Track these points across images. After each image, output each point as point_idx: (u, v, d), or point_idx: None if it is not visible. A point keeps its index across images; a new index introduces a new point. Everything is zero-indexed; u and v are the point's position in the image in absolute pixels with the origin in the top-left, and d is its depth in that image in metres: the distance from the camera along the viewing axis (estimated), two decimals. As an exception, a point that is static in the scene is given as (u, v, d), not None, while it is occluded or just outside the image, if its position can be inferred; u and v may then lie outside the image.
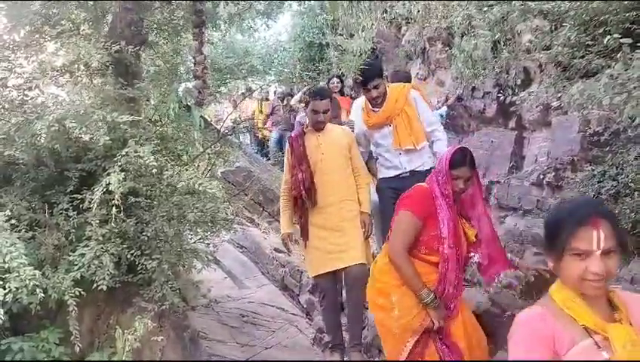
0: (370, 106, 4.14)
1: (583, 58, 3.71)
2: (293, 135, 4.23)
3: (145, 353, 3.74)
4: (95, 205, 3.31)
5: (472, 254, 3.01)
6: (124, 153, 3.42)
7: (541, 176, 5.39)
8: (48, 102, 3.74)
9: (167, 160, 4.09)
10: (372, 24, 10.14)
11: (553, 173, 5.18)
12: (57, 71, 4.01)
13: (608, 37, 3.04)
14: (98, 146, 3.48)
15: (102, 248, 3.42)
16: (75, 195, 3.60)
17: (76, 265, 3.35)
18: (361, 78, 4.10)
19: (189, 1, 4.87)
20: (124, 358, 3.51)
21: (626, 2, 3.46)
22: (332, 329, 4.28)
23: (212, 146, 5.10)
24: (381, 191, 4.20)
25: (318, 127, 4.07)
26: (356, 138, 4.27)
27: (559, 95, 3.76)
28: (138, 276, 3.74)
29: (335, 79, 7.60)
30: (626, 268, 4.05)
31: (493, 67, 6.16)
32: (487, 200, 6.33)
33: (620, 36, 2.93)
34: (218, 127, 6.71)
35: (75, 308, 3.30)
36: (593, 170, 4.45)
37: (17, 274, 2.93)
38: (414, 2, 8.58)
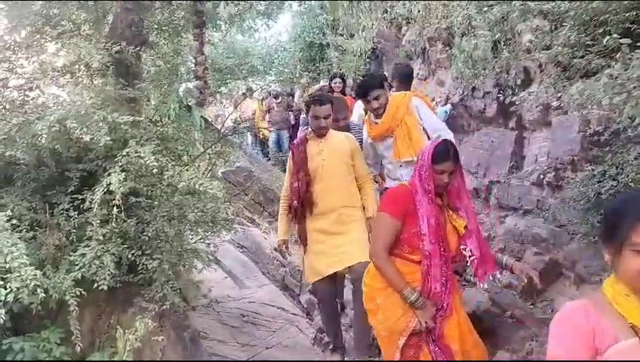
0: (372, 117, 4.09)
1: (583, 58, 3.71)
2: (295, 142, 4.21)
3: (145, 353, 3.75)
4: (96, 205, 3.31)
5: (462, 247, 2.95)
6: (124, 153, 3.42)
7: (541, 176, 5.39)
8: (49, 102, 3.74)
9: (167, 160, 4.09)
10: (372, 24, 10.15)
11: (553, 173, 5.17)
12: (58, 71, 4.01)
13: (608, 37, 3.04)
14: (99, 146, 3.48)
15: (103, 248, 3.42)
16: (75, 195, 3.60)
17: (77, 265, 3.35)
18: (360, 88, 4.07)
19: (189, 2, 4.88)
20: (124, 358, 3.51)
21: (625, 2, 3.46)
22: (332, 332, 4.30)
23: (213, 146, 5.11)
24: None
25: (320, 133, 4.04)
26: (364, 149, 4.25)
27: (559, 95, 3.76)
28: (139, 276, 3.74)
29: (337, 79, 7.58)
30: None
31: (494, 67, 6.16)
32: (487, 200, 6.34)
33: (619, 36, 2.94)
34: (219, 127, 6.72)
35: (76, 308, 3.30)
36: (593, 170, 4.44)
37: (18, 274, 2.93)
38: (414, 2, 8.58)
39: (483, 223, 5.73)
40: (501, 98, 5.98)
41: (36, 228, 3.55)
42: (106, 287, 3.38)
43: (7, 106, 3.76)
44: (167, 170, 3.78)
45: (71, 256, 3.43)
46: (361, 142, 4.37)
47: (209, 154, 5.11)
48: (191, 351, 4.10)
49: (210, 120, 7.15)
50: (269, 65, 13.07)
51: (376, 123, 4.04)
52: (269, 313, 5.27)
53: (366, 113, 4.67)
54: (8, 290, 2.92)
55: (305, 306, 5.72)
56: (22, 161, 3.80)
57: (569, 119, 5.03)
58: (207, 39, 5.06)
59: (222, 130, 5.46)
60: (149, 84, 4.67)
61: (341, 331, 4.39)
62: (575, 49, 3.88)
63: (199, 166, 5.08)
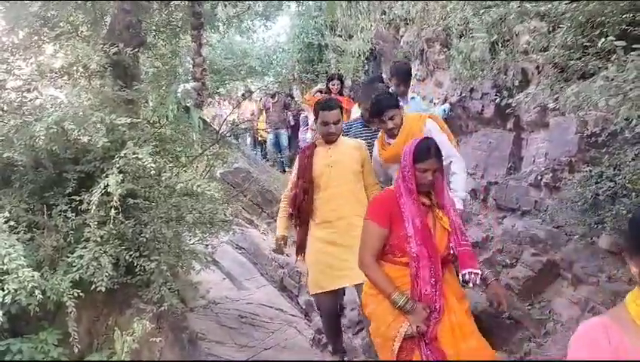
0: (385, 138, 3.99)
1: (580, 60, 3.72)
2: (304, 147, 4.17)
3: (143, 354, 3.75)
4: (93, 207, 3.31)
5: (451, 245, 2.89)
6: (122, 155, 3.42)
7: (539, 177, 5.40)
8: (47, 104, 3.75)
9: (165, 161, 4.10)
10: (371, 25, 10.16)
11: (551, 174, 5.18)
12: (56, 73, 4.01)
13: (603, 39, 3.05)
14: (96, 148, 3.48)
15: (100, 249, 3.42)
16: (73, 197, 3.60)
17: (75, 266, 3.35)
18: (375, 107, 3.92)
19: (187, 4, 4.88)
20: (122, 359, 3.52)
21: (622, 4, 3.47)
22: (332, 337, 4.32)
23: (211, 148, 5.11)
24: None
25: (330, 139, 3.97)
26: (373, 164, 4.12)
27: (556, 96, 3.77)
28: (137, 277, 3.74)
29: (335, 80, 7.57)
30: (624, 269, 4.06)
31: (491, 68, 6.17)
32: (485, 200, 6.35)
33: (614, 38, 2.94)
34: (217, 128, 6.72)
35: (74, 310, 3.31)
36: (591, 171, 4.45)
37: (16, 276, 2.93)
38: (413, 4, 8.59)
39: (481, 224, 5.74)
40: (497, 100, 5.99)
41: (34, 229, 3.56)
42: (103, 289, 3.39)
43: (5, 108, 3.77)
44: (165, 172, 3.79)
45: (69, 257, 3.43)
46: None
47: (207, 155, 5.11)
48: (189, 352, 4.11)
49: (208, 121, 7.17)
50: (267, 67, 13.08)
51: (389, 144, 3.93)
52: (268, 314, 5.28)
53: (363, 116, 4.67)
54: (6, 292, 2.93)
55: (303, 307, 5.73)
56: (19, 163, 3.80)
57: (566, 120, 5.04)
58: (205, 40, 5.05)
59: (220, 131, 5.46)
60: (147, 85, 4.67)
61: (342, 335, 4.40)
62: (572, 51, 3.89)
63: (197, 167, 5.09)
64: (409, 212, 2.80)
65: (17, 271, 2.94)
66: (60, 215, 3.58)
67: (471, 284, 2.87)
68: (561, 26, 4.31)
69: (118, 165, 3.41)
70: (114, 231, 3.54)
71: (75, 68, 4.03)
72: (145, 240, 3.72)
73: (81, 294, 3.34)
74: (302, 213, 4.00)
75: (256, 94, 11.88)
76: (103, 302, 3.87)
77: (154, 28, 4.97)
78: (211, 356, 4.31)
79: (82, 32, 4.43)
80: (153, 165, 3.44)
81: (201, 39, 4.77)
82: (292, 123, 10.96)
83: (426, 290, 2.78)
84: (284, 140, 10.73)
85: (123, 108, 4.06)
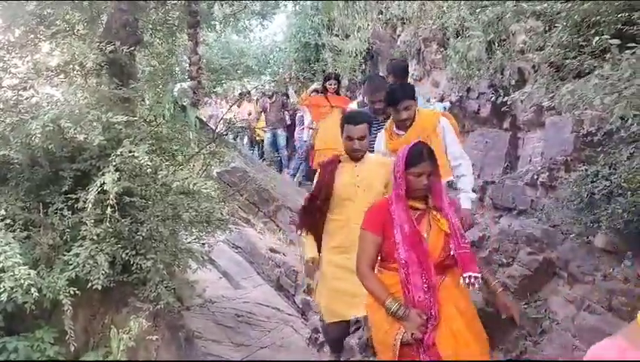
0: (394, 128, 3.94)
1: (576, 59, 3.73)
2: (326, 160, 3.84)
3: (140, 352, 3.75)
4: (90, 205, 3.31)
5: (452, 246, 2.82)
6: (118, 153, 3.42)
7: (535, 176, 5.42)
8: (43, 102, 3.74)
9: (162, 160, 4.09)
10: (368, 25, 10.17)
11: (547, 173, 5.20)
12: (52, 71, 4.01)
13: (597, 38, 3.06)
14: (93, 146, 3.48)
15: (97, 248, 3.42)
16: (69, 195, 3.60)
17: (71, 264, 3.35)
18: (392, 96, 3.88)
19: (183, 2, 4.88)
20: (118, 358, 3.52)
21: (616, 4, 3.49)
22: (335, 350, 4.21)
23: (207, 146, 5.11)
24: None
25: (355, 156, 3.66)
26: None
27: (552, 95, 3.79)
28: (133, 276, 3.74)
29: (332, 80, 7.56)
30: (619, 268, 4.08)
31: (488, 68, 6.19)
32: (482, 200, 6.36)
33: (609, 37, 2.96)
34: (213, 127, 6.72)
35: (70, 308, 3.31)
36: (586, 170, 4.47)
37: (12, 274, 2.93)
38: (409, 3, 8.61)
39: (478, 223, 5.75)
40: (492, 98, 6.01)
41: (30, 227, 3.56)
42: (100, 287, 3.39)
43: (1, 106, 3.76)
44: (161, 170, 3.79)
45: (65, 255, 3.43)
46: None
47: (203, 154, 5.11)
48: (185, 351, 4.11)
49: (204, 120, 7.17)
50: (264, 66, 13.06)
51: (399, 135, 3.88)
52: (264, 313, 5.28)
53: None
54: (2, 290, 2.93)
55: (300, 306, 5.74)
56: (16, 161, 3.79)
57: (562, 120, 5.06)
58: (201, 39, 5.06)
59: (217, 130, 5.46)
60: (143, 83, 4.67)
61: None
62: (568, 50, 3.91)
63: (194, 166, 5.09)
64: (398, 218, 2.79)
65: (13, 269, 2.94)
66: (56, 213, 3.58)
67: (470, 288, 2.77)
68: (556, 25, 4.34)
69: (114, 163, 3.41)
70: (110, 230, 3.53)
71: (71, 66, 4.03)
72: (141, 238, 3.71)
73: (77, 292, 3.34)
74: (313, 231, 3.78)
75: (253, 93, 11.86)
76: (99, 301, 3.87)
77: (150, 26, 4.97)
78: (208, 355, 4.31)
79: (79, 30, 4.43)
80: (149, 163, 3.44)
81: (197, 38, 4.77)
82: (288, 122, 10.95)
83: (419, 297, 2.73)
84: (282, 140, 10.70)
85: (119, 106, 4.05)
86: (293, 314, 5.50)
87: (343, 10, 10.82)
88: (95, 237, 3.43)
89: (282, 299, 5.86)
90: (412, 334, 2.66)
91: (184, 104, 4.85)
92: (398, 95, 3.84)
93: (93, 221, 3.44)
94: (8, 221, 3.28)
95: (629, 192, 3.93)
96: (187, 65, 5.34)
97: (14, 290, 2.95)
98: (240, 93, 11.41)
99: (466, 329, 2.76)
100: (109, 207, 3.36)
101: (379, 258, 2.94)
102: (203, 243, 4.76)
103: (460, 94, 7.01)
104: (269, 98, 10.96)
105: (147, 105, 4.52)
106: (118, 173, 3.40)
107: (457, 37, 6.80)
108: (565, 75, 4.17)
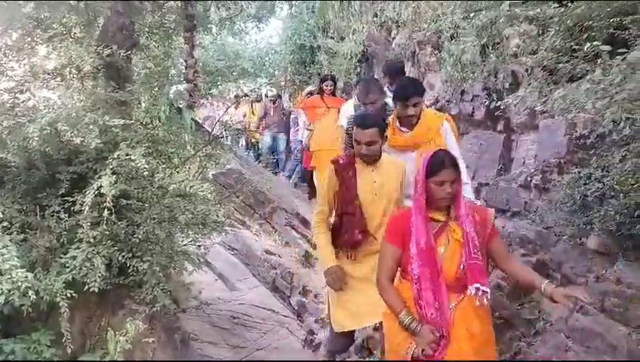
0: (397, 124, 3.88)
1: (569, 63, 3.78)
2: (341, 162, 3.56)
3: (136, 355, 3.76)
4: (87, 208, 3.33)
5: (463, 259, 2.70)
6: (115, 156, 3.44)
7: (529, 179, 5.47)
8: (40, 105, 3.75)
9: (158, 162, 4.11)
10: (363, 27, 10.21)
11: (540, 176, 5.25)
12: (49, 74, 4.02)
13: (588, 44, 3.11)
14: (89, 149, 3.49)
15: (93, 250, 3.43)
16: (66, 198, 3.61)
17: (68, 267, 3.36)
18: (402, 91, 3.82)
19: (180, 5, 4.90)
20: (115, 359, 3.53)
21: (608, 9, 3.53)
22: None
23: (203, 149, 5.13)
24: None
25: (366, 160, 3.47)
26: None
27: (545, 99, 3.83)
28: (129, 278, 3.75)
29: (329, 81, 7.57)
30: (611, 269, 4.12)
31: (482, 71, 6.24)
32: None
33: (600, 43, 3.00)
34: (208, 129, 6.73)
35: (67, 310, 3.32)
36: (579, 173, 4.52)
37: (9, 276, 2.94)
38: (404, 6, 8.65)
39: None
40: (486, 103, 6.06)
41: (27, 230, 3.56)
42: (96, 289, 3.40)
43: (-2, 109, 3.77)
44: (157, 173, 3.80)
45: (62, 258, 3.44)
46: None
47: (199, 156, 5.12)
48: (181, 353, 4.12)
49: (200, 121, 7.17)
50: (259, 68, 13.09)
51: (403, 131, 3.84)
52: (260, 315, 5.29)
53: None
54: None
55: (295, 308, 5.75)
56: (12, 164, 3.80)
57: (555, 122, 5.11)
58: (197, 42, 5.07)
59: (213, 133, 5.47)
60: (139, 86, 4.68)
61: None
62: (560, 54, 3.95)
63: (190, 168, 5.10)
64: (416, 231, 2.70)
65: (10, 272, 2.95)
66: (53, 216, 3.59)
67: (477, 302, 2.66)
68: (549, 29, 4.38)
69: (111, 166, 3.42)
70: (107, 232, 3.54)
71: (68, 69, 4.04)
72: (138, 241, 3.72)
73: (74, 295, 3.34)
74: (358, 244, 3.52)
75: (249, 93, 11.85)
76: (96, 303, 3.88)
77: (147, 29, 4.98)
78: (204, 356, 4.32)
79: (75, 33, 4.43)
80: (146, 166, 3.46)
81: (193, 41, 4.79)
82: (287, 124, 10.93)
83: (431, 314, 2.66)
84: (282, 144, 10.68)
85: (116, 109, 4.06)
86: (288, 316, 5.51)
87: (338, 13, 10.86)
88: (92, 240, 3.44)
89: (278, 301, 5.87)
90: (422, 350, 2.61)
91: (180, 106, 4.86)
92: (410, 90, 3.78)
93: (89, 224, 3.45)
94: (5, 224, 3.28)
95: (622, 194, 3.97)
96: (183, 67, 5.35)
97: (11, 293, 2.96)
98: (235, 96, 11.40)
99: (473, 354, 2.65)
100: (105, 210, 3.38)
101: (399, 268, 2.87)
102: (199, 246, 4.77)
103: (454, 96, 7.05)
104: (272, 102, 10.88)
105: (143, 108, 4.53)
106: (114, 176, 3.41)
107: (452, 40, 6.85)
108: (558, 79, 4.22)
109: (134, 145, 3.63)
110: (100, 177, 3.41)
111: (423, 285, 2.66)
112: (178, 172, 4.40)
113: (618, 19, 3.62)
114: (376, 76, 8.15)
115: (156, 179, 3.82)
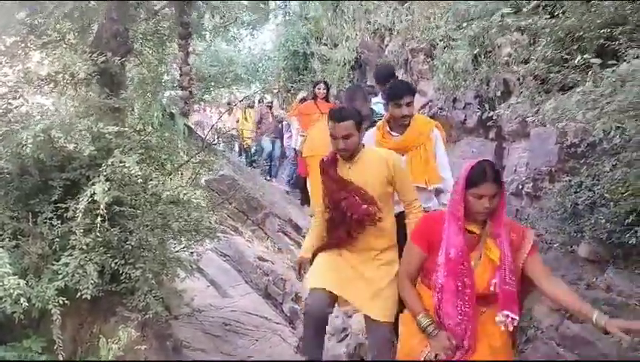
0: (387, 128, 3.87)
1: (560, 73, 3.82)
2: (325, 159, 3.43)
3: (128, 362, 3.75)
4: (80, 214, 3.32)
5: (494, 281, 2.55)
6: (109, 163, 3.43)
7: (520, 186, 5.50)
8: (33, 111, 3.75)
9: (151, 169, 4.11)
10: (356, 34, 10.26)
11: (532, 184, 5.28)
12: (43, 80, 4.02)
13: (579, 57, 3.15)
14: (83, 156, 3.49)
15: (86, 257, 3.42)
16: (59, 204, 3.60)
17: (60, 274, 3.35)
18: (394, 90, 3.80)
19: (175, 13, 4.90)
20: (107, 366, 3.52)
21: (599, 20, 3.58)
22: (313, 350, 3.48)
23: (197, 155, 5.13)
24: None
25: (342, 155, 3.30)
26: None
27: (536, 109, 3.87)
28: (121, 285, 3.74)
29: (321, 84, 7.57)
30: (602, 277, 4.15)
31: (474, 79, 6.28)
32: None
33: (590, 56, 3.04)
34: (201, 134, 6.73)
35: (59, 317, 3.31)
36: (570, 181, 4.55)
37: (1, 284, 2.93)
38: (398, 14, 8.70)
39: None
40: (478, 113, 6.11)
41: (19, 236, 3.55)
42: (89, 296, 3.39)
43: (-10, 114, 3.76)
44: (150, 180, 3.79)
45: (54, 265, 3.43)
46: None
47: (192, 162, 5.12)
48: (173, 360, 4.11)
49: (193, 128, 7.18)
50: (253, 74, 13.11)
51: (393, 135, 3.81)
52: (252, 322, 5.29)
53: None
54: (-9, 299, 2.92)
55: (288, 315, 5.75)
56: (5, 170, 3.78)
57: (547, 131, 5.15)
58: (191, 49, 5.09)
59: (206, 139, 5.47)
60: (132, 92, 4.68)
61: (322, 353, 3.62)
62: (551, 64, 3.99)
63: (182, 174, 5.10)
64: (447, 239, 2.58)
65: (2, 279, 2.94)
66: (46, 222, 3.58)
67: (502, 327, 2.53)
68: (541, 39, 4.43)
69: (104, 173, 3.42)
70: (99, 239, 3.54)
71: (61, 75, 4.04)
72: (130, 247, 3.72)
73: (66, 302, 3.33)
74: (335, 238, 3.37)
75: (244, 99, 11.86)
76: (88, 310, 3.87)
77: (141, 36, 4.98)
78: (195, 364, 4.32)
79: (69, 39, 4.43)
80: (140, 173, 3.46)
81: (188, 48, 4.80)
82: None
83: (449, 324, 2.58)
84: (278, 150, 10.68)
85: (109, 115, 4.06)
86: (281, 323, 5.51)
87: (331, 20, 10.91)
88: (84, 247, 3.43)
89: (270, 308, 5.87)
90: (436, 355, 2.56)
91: (172, 112, 4.87)
92: (402, 89, 3.78)
93: (82, 230, 3.44)
94: (-3, 230, 3.28)
95: (612, 203, 4.01)
96: (177, 74, 5.36)
97: (3, 300, 2.95)
98: (228, 103, 11.39)
99: None
100: (98, 217, 3.37)
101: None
102: (191, 252, 4.76)
103: (446, 104, 7.09)
104: (268, 107, 10.86)
105: (136, 114, 4.53)
106: (108, 182, 3.41)
107: (445, 48, 6.90)
108: (550, 88, 4.27)
109: (128, 152, 3.63)
110: (93, 184, 3.41)
111: (445, 296, 2.57)
112: (171, 178, 4.40)
113: (608, 30, 3.67)
114: (369, 83, 8.20)
115: (149, 186, 3.81)
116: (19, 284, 2.96)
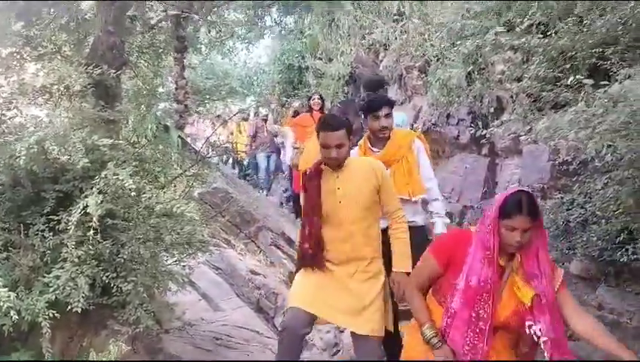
0: (368, 145, 3.89)
1: (552, 91, 3.86)
2: (308, 171, 3.37)
3: (118, 376, 3.72)
4: (72, 227, 3.30)
5: (529, 323, 2.37)
6: (103, 175, 3.42)
7: (513, 203, 5.52)
8: (27, 123, 3.74)
9: (145, 182, 4.09)
10: (351, 49, 10.34)
11: (524, 200, 5.31)
12: (38, 92, 4.01)
13: (571, 77, 3.19)
14: (76, 168, 3.47)
15: (77, 270, 3.38)
16: (51, 216, 3.57)
17: (51, 286, 3.31)
18: (371, 103, 3.80)
19: (171, 26, 4.93)
20: (96, 381, 3.48)
21: (591, 41, 3.63)
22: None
23: (190, 168, 5.12)
24: None
25: (332, 164, 3.25)
26: None
27: (528, 128, 3.91)
28: (113, 298, 3.70)
29: (316, 96, 7.55)
30: (593, 294, 4.17)
31: (467, 95, 6.34)
32: (460, 224, 6.44)
33: (582, 77, 3.08)
34: (196, 147, 6.72)
35: (49, 330, 3.27)
36: (562, 198, 4.60)
37: (-8, 296, 2.90)
38: (392, 30, 8.78)
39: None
40: (471, 131, 6.15)
41: (10, 248, 3.51)
42: (79, 309, 3.36)
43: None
44: (144, 193, 3.78)
45: (45, 277, 3.39)
46: None
47: (186, 175, 5.11)
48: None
49: (187, 140, 7.17)
50: (248, 87, 13.15)
51: (374, 151, 3.82)
52: (243, 336, 5.25)
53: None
54: (-20, 312, 2.89)
55: (279, 329, 5.72)
56: (-2, 181, 3.77)
57: (539, 148, 5.20)
58: (187, 62, 5.10)
59: (200, 152, 5.47)
60: (127, 104, 4.68)
61: None
62: (544, 83, 4.04)
63: (176, 187, 5.08)
64: (470, 264, 2.44)
65: (-7, 292, 2.91)
66: (38, 234, 3.54)
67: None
68: (534, 57, 4.48)
69: (98, 186, 3.40)
70: (91, 252, 3.51)
71: (56, 87, 4.03)
72: (122, 260, 3.69)
73: (56, 315, 3.30)
74: (314, 255, 3.28)
75: (238, 115, 11.87)
76: (78, 323, 3.82)
77: (137, 49, 4.99)
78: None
79: (65, 51, 4.44)
80: (133, 186, 3.44)
81: (184, 62, 4.81)
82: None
83: (457, 352, 2.47)
84: (273, 164, 10.66)
85: (104, 127, 4.05)
86: (272, 337, 5.47)
87: (326, 35, 10.99)
88: (76, 259, 3.39)
89: (261, 322, 5.84)
90: None
91: (167, 124, 4.86)
92: (380, 100, 3.80)
93: (74, 243, 3.42)
94: (-12, 242, 3.25)
95: (603, 220, 4.04)
96: (172, 86, 5.36)
97: (-7, 313, 2.92)
98: (218, 116, 11.37)
99: None
100: (91, 229, 3.35)
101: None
102: (184, 265, 4.74)
103: (440, 120, 7.14)
104: (263, 121, 10.82)
105: (131, 128, 4.53)
106: (101, 195, 3.39)
107: (438, 61, 6.96)
108: (542, 106, 4.31)
109: (121, 165, 3.62)
110: (86, 196, 3.38)
111: (455, 323, 2.47)
112: (165, 191, 4.39)
113: (600, 50, 3.72)
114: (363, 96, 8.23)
115: (143, 198, 3.79)
116: (9, 297, 2.93)
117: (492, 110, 6.12)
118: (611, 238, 3.97)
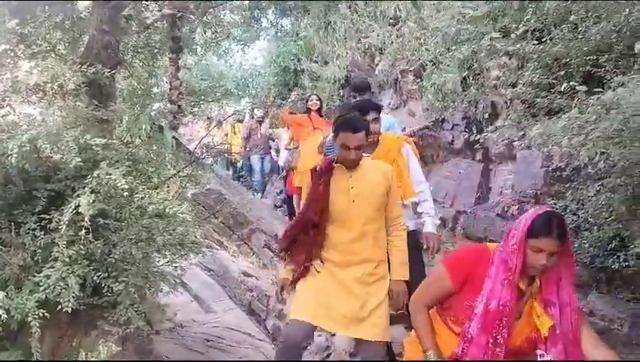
0: None
1: (547, 98, 3.88)
2: (318, 167, 3.37)
3: (107, 377, 3.70)
4: (64, 226, 3.28)
5: (540, 352, 2.27)
6: (95, 175, 3.40)
7: (506, 208, 5.56)
8: (20, 121, 3.71)
9: (138, 182, 4.07)
10: (346, 53, 10.35)
11: (517, 206, 5.34)
12: (31, 90, 3.99)
13: (565, 84, 3.21)
14: (69, 167, 3.46)
15: (68, 269, 3.36)
16: (42, 215, 3.55)
17: (41, 286, 3.29)
18: (359, 107, 3.79)
19: (166, 26, 4.92)
20: (86, 382, 3.46)
21: (585, 48, 3.65)
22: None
23: (184, 169, 5.10)
24: None
25: (349, 165, 3.26)
26: None
27: (522, 133, 3.92)
28: (103, 298, 3.69)
29: (314, 97, 7.52)
30: (585, 301, 4.18)
31: (462, 100, 6.36)
32: (453, 229, 6.46)
33: (576, 83, 3.10)
34: (190, 148, 6.70)
35: (38, 330, 3.25)
36: (555, 204, 4.61)
37: (-19, 295, 2.89)
38: (388, 34, 8.79)
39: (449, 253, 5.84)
40: (466, 136, 6.17)
41: (0, 247, 3.50)
42: (69, 309, 3.34)
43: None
44: (136, 193, 3.76)
45: (35, 276, 3.37)
46: None
47: (180, 176, 5.09)
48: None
49: (181, 141, 7.15)
50: (243, 89, 13.15)
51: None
52: (234, 338, 5.24)
53: None
54: (-31, 311, 2.87)
55: (271, 332, 5.71)
56: (-11, 180, 3.74)
57: (532, 154, 5.22)
58: (182, 63, 5.10)
59: (194, 153, 5.46)
60: (121, 103, 4.66)
61: None
62: (538, 89, 4.06)
63: (169, 187, 5.07)
64: (490, 286, 2.29)
65: (-18, 291, 2.89)
66: (29, 233, 3.52)
67: None
68: (528, 63, 4.51)
69: (90, 185, 3.38)
70: (82, 251, 3.49)
71: (50, 86, 4.01)
72: (113, 260, 3.67)
73: (46, 314, 3.28)
74: (301, 249, 3.31)
75: (233, 117, 11.88)
76: (68, 323, 3.80)
77: (132, 49, 4.98)
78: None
79: (59, 50, 4.41)
80: (126, 186, 3.42)
81: (179, 63, 4.80)
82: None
83: None
84: (267, 167, 10.64)
85: (97, 127, 4.03)
86: (264, 340, 5.46)
87: (322, 38, 11.00)
88: (67, 259, 3.37)
89: (253, 324, 5.82)
90: None
91: (161, 125, 4.85)
92: (368, 104, 3.84)
93: (65, 242, 3.40)
94: (-22, 240, 3.23)
95: (596, 227, 4.06)
96: (167, 86, 5.35)
97: (-18, 312, 2.90)
98: (208, 118, 11.36)
99: None
100: (82, 229, 3.33)
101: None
102: (176, 266, 4.72)
103: (434, 124, 7.15)
104: (258, 123, 10.80)
105: (124, 127, 4.51)
106: (93, 194, 3.37)
107: (434, 65, 6.98)
108: (536, 112, 4.33)
109: (114, 164, 3.60)
110: (78, 195, 3.36)
111: (472, 349, 2.31)
112: (158, 192, 4.36)
113: (594, 57, 3.74)
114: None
115: (135, 198, 3.78)
116: (-1, 296, 2.91)
117: (486, 115, 6.14)
118: (603, 245, 3.98)
